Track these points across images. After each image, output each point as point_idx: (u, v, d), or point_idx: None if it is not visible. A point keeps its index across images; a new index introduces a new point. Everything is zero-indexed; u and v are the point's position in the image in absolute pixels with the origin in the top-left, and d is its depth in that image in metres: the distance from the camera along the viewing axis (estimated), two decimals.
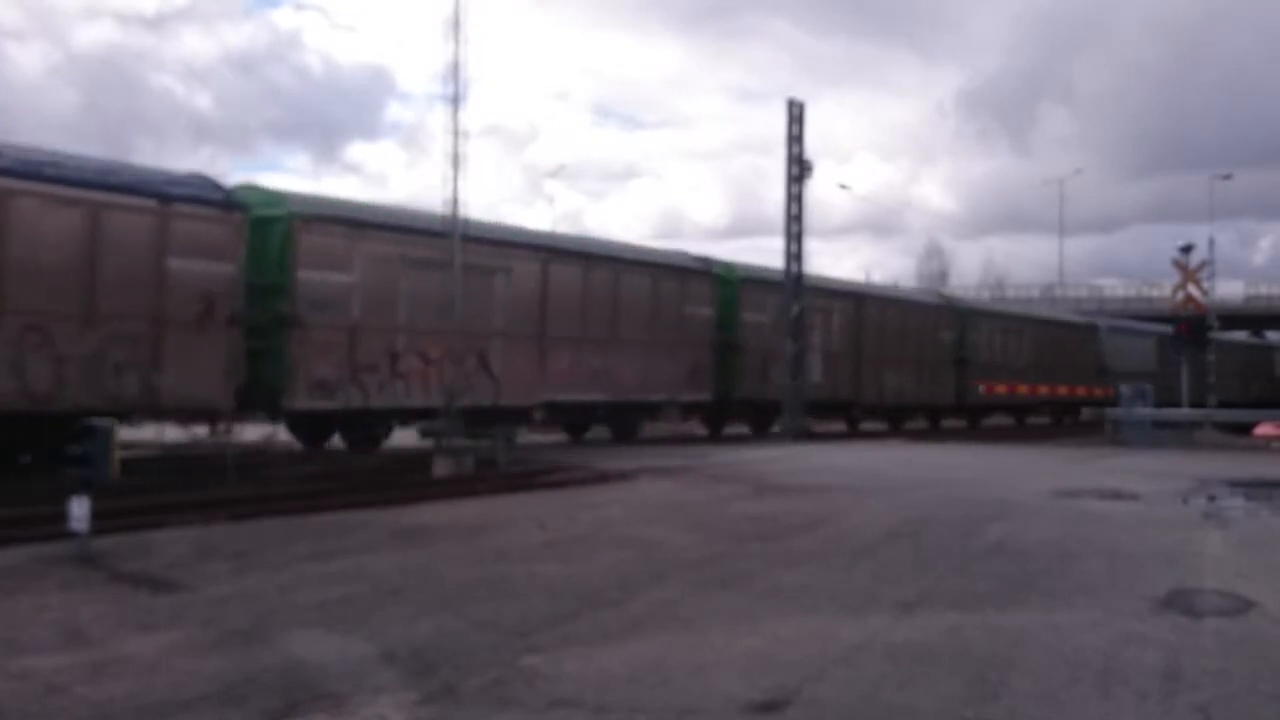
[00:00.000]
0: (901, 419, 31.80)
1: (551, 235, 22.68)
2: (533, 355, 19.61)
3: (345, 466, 16.75)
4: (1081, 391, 38.66)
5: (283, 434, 18.20)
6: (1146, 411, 26.92)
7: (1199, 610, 6.98)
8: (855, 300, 29.55)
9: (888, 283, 52.78)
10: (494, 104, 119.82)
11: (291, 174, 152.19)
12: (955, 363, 33.02)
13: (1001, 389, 35.31)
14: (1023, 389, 36.42)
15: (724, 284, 24.39)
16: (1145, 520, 11.18)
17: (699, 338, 23.41)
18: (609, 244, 23.95)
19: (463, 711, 4.86)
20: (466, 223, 16.85)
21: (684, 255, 25.04)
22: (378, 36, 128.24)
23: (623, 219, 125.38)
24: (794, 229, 25.33)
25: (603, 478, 14.44)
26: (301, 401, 16.20)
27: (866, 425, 30.12)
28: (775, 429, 25.49)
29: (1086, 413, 35.48)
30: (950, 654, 5.79)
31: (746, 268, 25.85)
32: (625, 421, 22.69)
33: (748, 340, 24.61)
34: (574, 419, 22.39)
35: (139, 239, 13.98)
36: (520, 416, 19.18)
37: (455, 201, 16.39)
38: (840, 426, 29.46)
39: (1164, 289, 44.23)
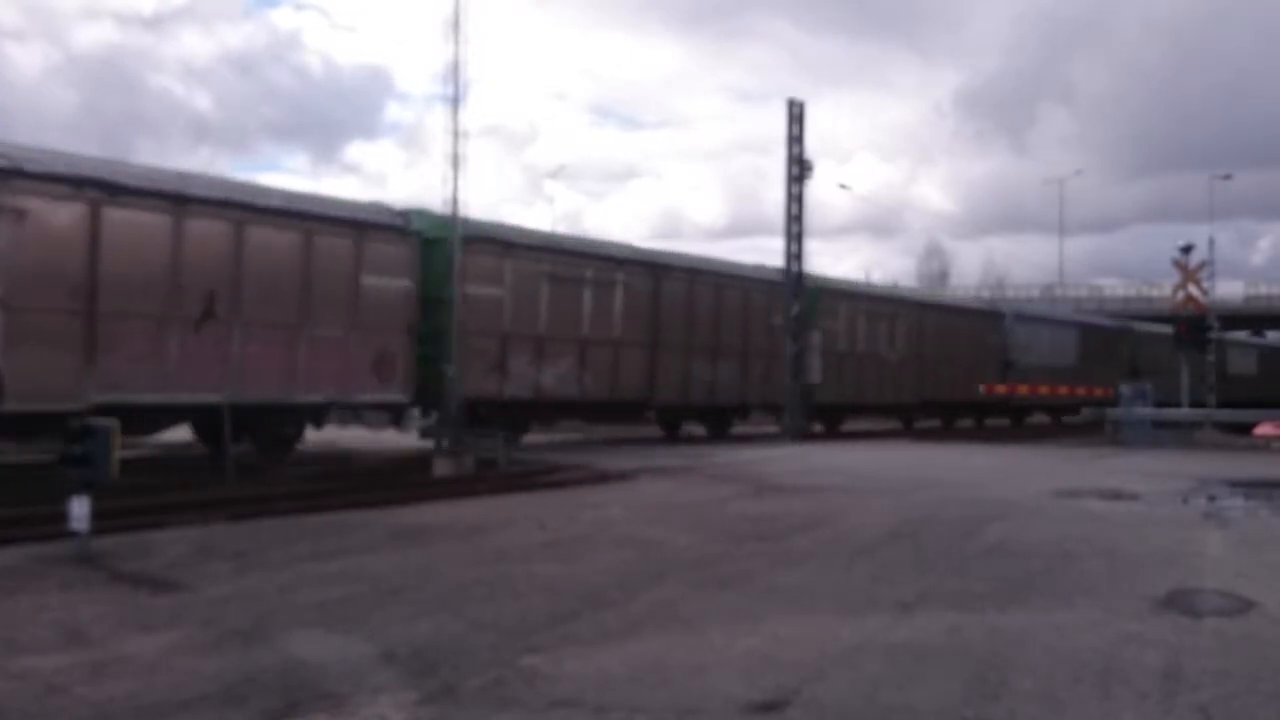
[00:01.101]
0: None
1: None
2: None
3: (345, 466, 16.77)
4: (980, 390, 33.17)
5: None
6: (1147, 411, 26.93)
7: (1199, 610, 6.98)
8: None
9: (888, 282, 52.75)
10: (493, 104, 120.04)
11: (291, 174, 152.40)
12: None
13: (870, 392, 29.06)
14: (905, 385, 30.12)
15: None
16: (1145, 520, 11.18)
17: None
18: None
19: (463, 711, 4.86)
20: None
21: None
22: (377, 37, 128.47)
23: (622, 219, 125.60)
24: (794, 229, 25.34)
25: (603, 478, 14.45)
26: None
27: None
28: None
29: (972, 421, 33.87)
30: (950, 654, 5.79)
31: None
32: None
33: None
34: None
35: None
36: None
37: (455, 201, 16.41)
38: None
39: (1164, 289, 44.37)
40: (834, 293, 28.22)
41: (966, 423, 34.87)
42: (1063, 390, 36.78)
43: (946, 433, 31.60)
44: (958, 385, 32.38)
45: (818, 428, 27.55)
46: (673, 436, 24.44)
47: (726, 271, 25.40)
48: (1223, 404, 35.22)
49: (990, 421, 35.86)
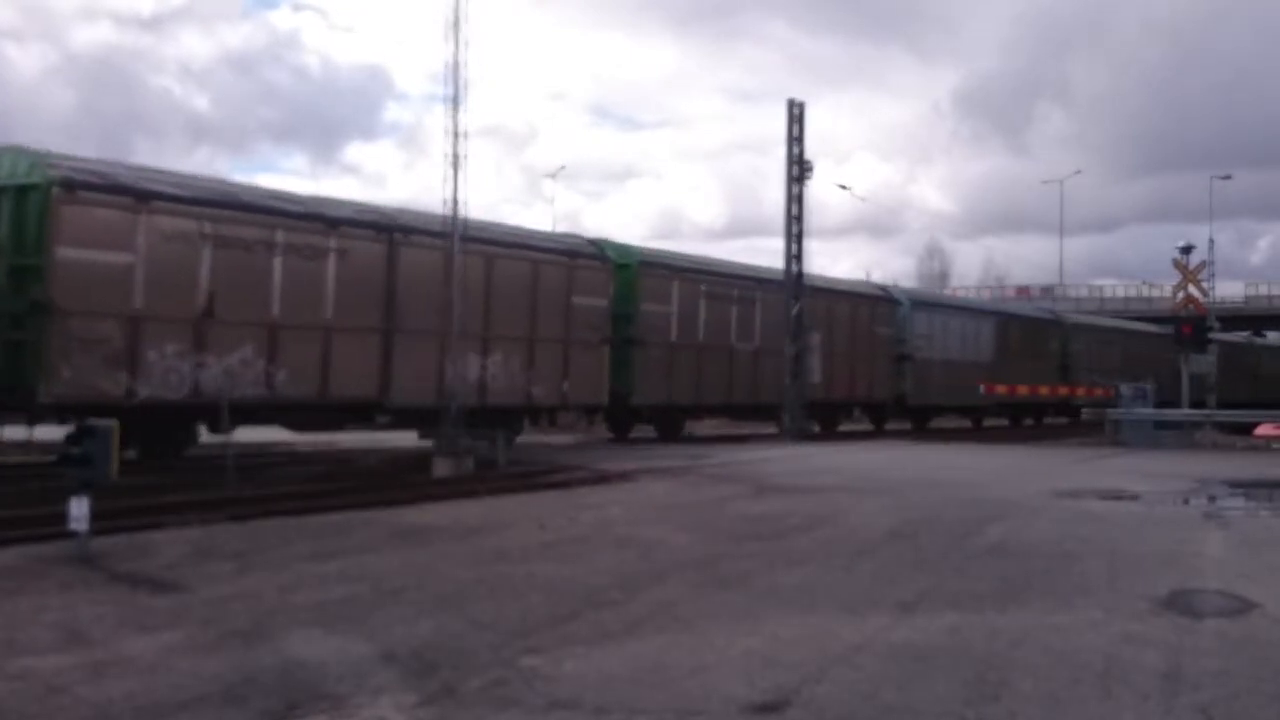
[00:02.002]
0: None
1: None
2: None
3: (345, 467, 16.77)
4: (878, 391, 29.63)
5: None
6: (1148, 411, 26.93)
7: (1199, 611, 6.97)
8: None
9: (888, 282, 52.65)
10: (492, 104, 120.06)
11: (289, 174, 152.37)
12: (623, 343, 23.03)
13: (711, 392, 24.53)
14: (764, 383, 25.13)
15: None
16: (1145, 520, 11.18)
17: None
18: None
19: (463, 712, 4.85)
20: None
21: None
22: (375, 37, 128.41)
23: (621, 219, 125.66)
24: (794, 229, 25.33)
25: (603, 478, 14.44)
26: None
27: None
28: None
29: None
30: (950, 654, 5.78)
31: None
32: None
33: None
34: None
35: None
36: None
37: (455, 202, 16.38)
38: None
39: (1164, 289, 44.42)
40: (659, 268, 23.23)
41: (863, 426, 31.23)
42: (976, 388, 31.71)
43: (947, 433, 31.59)
44: (838, 382, 27.69)
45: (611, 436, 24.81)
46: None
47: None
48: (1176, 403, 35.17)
49: (891, 425, 31.55)
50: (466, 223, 16.80)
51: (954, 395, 32.04)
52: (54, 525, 8.44)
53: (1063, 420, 36.99)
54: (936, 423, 33.93)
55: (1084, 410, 32.18)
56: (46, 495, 9.74)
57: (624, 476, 14.46)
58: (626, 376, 21.65)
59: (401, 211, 18.53)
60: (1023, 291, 63.58)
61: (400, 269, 17.11)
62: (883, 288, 32.70)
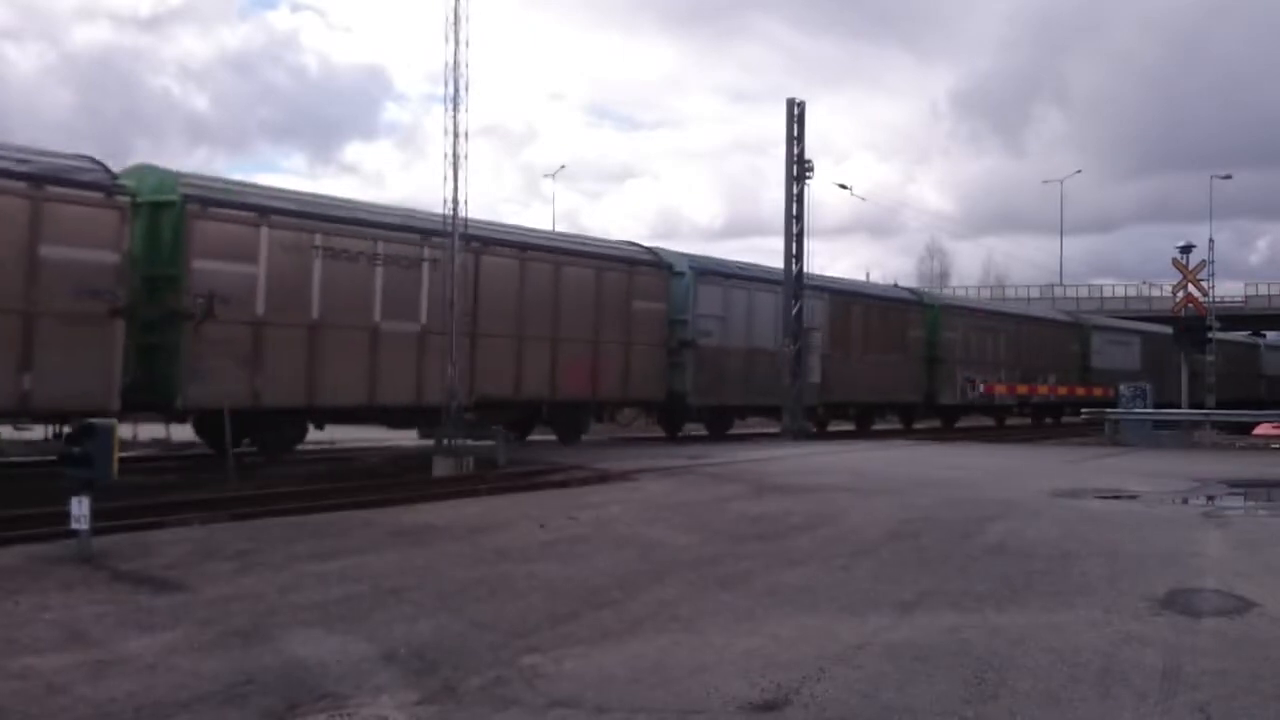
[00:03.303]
0: None
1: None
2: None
3: (346, 467, 16.78)
4: (646, 386, 22.65)
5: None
6: (1145, 411, 26.94)
7: (1198, 610, 6.98)
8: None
9: (887, 282, 52.68)
10: (490, 104, 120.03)
11: (288, 174, 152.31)
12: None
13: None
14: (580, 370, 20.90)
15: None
16: (1145, 520, 11.19)
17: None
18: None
19: (463, 711, 4.86)
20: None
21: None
22: (374, 37, 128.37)
23: (620, 219, 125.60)
24: (794, 229, 25.33)
25: (603, 478, 14.45)
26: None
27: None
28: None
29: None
30: (950, 654, 5.79)
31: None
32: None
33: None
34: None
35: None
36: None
37: (454, 201, 16.38)
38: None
39: (1164, 289, 44.30)
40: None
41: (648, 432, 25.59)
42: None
43: (947, 433, 31.62)
44: (573, 374, 20.69)
45: None
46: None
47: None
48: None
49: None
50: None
51: (755, 393, 24.95)
52: (55, 525, 8.45)
53: (935, 423, 33.17)
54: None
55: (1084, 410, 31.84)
56: (48, 495, 9.75)
57: (624, 476, 14.46)
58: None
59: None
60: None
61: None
62: (651, 250, 23.76)
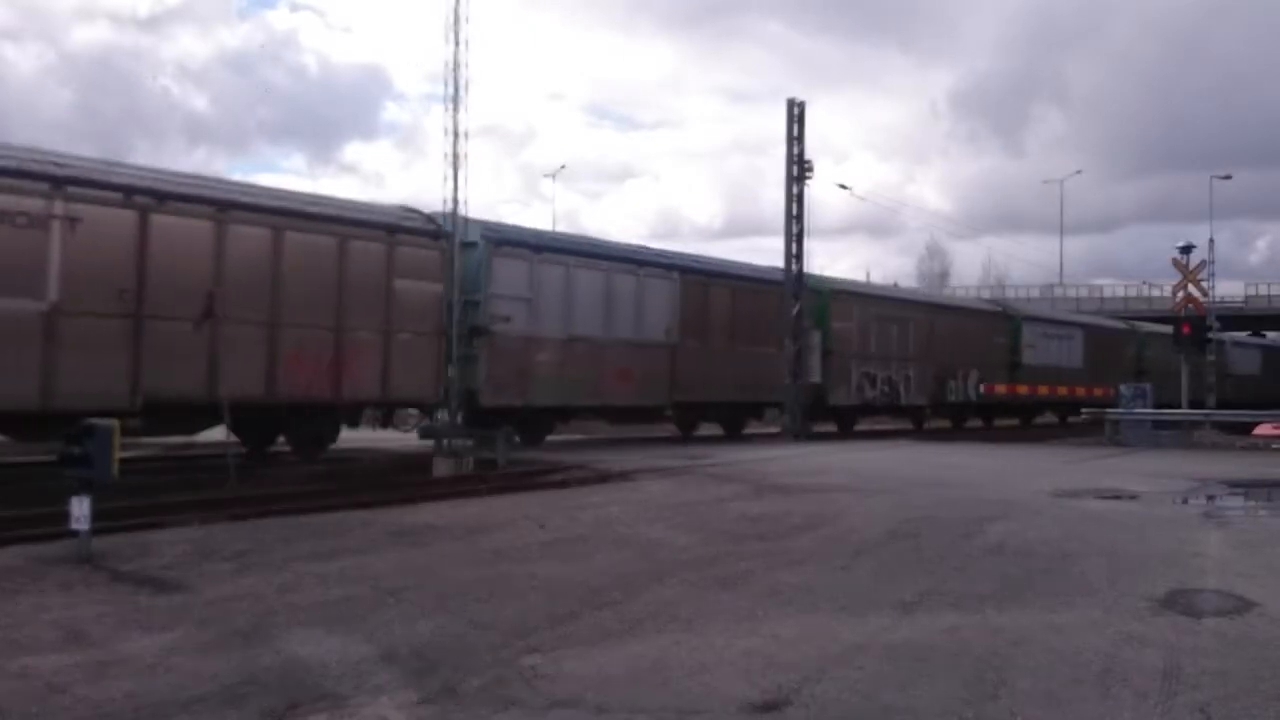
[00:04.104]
0: None
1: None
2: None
3: (345, 467, 16.77)
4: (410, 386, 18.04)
5: None
6: (1146, 411, 26.94)
7: (1199, 610, 6.98)
8: None
9: (887, 282, 52.67)
10: (490, 104, 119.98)
11: (288, 174, 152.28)
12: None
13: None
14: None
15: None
16: (1145, 520, 11.18)
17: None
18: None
19: (463, 711, 4.86)
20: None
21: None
22: (373, 37, 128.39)
23: (620, 219, 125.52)
24: (794, 229, 25.32)
25: (603, 478, 14.44)
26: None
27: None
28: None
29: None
30: (950, 654, 5.79)
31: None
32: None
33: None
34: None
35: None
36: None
37: (454, 202, 16.40)
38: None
39: (1164, 289, 44.19)
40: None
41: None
42: (624, 385, 21.45)
43: (947, 433, 31.60)
44: (299, 369, 16.33)
45: None
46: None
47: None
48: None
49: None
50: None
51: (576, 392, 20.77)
52: (55, 525, 8.45)
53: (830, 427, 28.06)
54: None
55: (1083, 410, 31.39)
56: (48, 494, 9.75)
57: (624, 476, 14.46)
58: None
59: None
60: None
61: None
62: (429, 215, 18.51)
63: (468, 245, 18.40)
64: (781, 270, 25.28)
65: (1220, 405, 34.29)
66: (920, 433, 30.40)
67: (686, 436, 23.99)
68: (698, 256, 26.07)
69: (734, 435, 25.09)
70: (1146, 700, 5.04)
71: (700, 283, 23.62)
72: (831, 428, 28.34)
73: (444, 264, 17.55)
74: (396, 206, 19.03)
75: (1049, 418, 39.06)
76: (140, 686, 5.07)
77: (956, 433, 31.57)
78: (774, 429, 25.43)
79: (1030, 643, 6.03)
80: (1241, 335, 50.83)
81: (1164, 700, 5.05)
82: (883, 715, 4.86)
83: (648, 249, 24.50)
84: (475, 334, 18.61)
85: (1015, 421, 36.94)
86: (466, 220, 17.47)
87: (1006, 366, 34.26)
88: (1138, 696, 5.10)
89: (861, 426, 29.95)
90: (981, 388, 32.74)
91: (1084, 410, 30.74)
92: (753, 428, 26.17)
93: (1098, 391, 35.61)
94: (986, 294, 60.65)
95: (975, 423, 35.11)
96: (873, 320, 29.09)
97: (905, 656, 5.73)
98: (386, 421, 18.72)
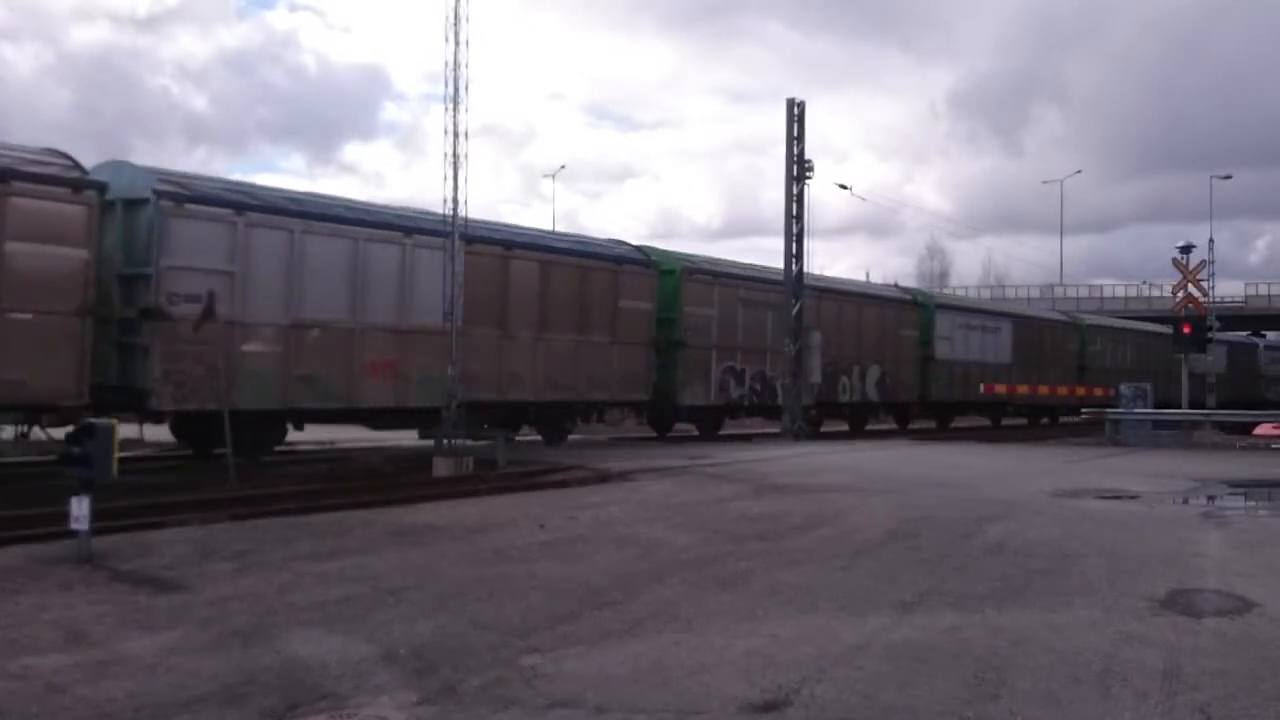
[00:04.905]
0: None
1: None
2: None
3: (346, 466, 16.76)
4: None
5: None
6: (1144, 411, 26.94)
7: (1199, 610, 6.98)
8: None
9: (886, 282, 52.60)
10: (490, 104, 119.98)
11: (287, 174, 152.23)
12: None
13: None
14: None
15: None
16: (1145, 520, 11.18)
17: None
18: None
19: (463, 711, 4.86)
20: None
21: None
22: (373, 37, 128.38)
23: (620, 219, 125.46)
24: (794, 229, 25.32)
25: (603, 478, 14.44)
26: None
27: None
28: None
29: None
30: (950, 654, 5.79)
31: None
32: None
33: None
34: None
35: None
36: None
37: (454, 201, 16.38)
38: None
39: (1164, 289, 44.14)
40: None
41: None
42: (385, 383, 17.27)
43: (948, 433, 31.58)
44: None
45: None
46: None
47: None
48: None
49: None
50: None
51: (313, 393, 16.34)
52: (55, 525, 8.45)
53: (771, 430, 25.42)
54: None
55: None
56: (48, 494, 9.75)
57: (624, 476, 14.46)
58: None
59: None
60: None
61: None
62: (74, 160, 14.11)
63: (134, 203, 14.37)
64: (615, 243, 22.83)
65: (1191, 406, 33.74)
66: (863, 434, 27.91)
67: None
68: (493, 223, 20.58)
69: (735, 436, 25.08)
70: (1146, 700, 5.04)
71: (498, 255, 19.14)
72: (692, 430, 25.04)
73: (90, 224, 13.19)
74: (38, 148, 14.08)
75: (978, 420, 35.17)
76: (140, 686, 5.07)
77: (956, 433, 31.46)
78: (774, 429, 25.05)
79: (1030, 643, 6.03)
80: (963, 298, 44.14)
81: (1164, 700, 5.05)
82: (883, 715, 4.86)
83: (425, 213, 18.30)
84: (145, 317, 14.27)
85: (932, 424, 33.05)
86: (131, 167, 13.82)
87: (916, 361, 30.40)
88: (1138, 696, 5.10)
89: (729, 429, 25.86)
90: (887, 385, 29.17)
91: (1084, 410, 30.68)
92: (729, 428, 25.45)
93: (1042, 389, 33.86)
94: (987, 294, 60.73)
95: (887, 425, 31.50)
96: (741, 306, 24.80)
97: (905, 656, 5.73)
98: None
